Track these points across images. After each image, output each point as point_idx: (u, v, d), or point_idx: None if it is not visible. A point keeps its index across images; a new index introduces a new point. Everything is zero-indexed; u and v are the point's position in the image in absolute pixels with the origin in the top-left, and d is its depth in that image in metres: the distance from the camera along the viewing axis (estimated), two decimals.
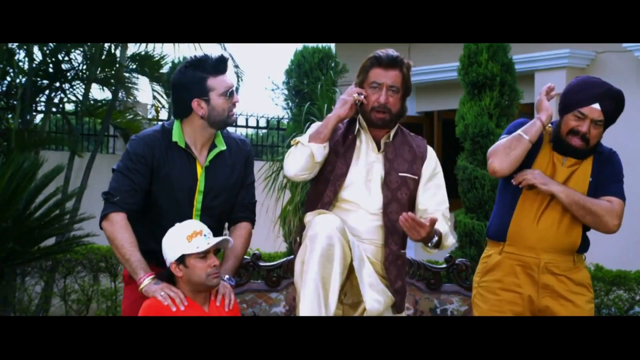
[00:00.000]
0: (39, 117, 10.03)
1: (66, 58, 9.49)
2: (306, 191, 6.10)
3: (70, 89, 9.70)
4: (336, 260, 3.69)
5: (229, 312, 3.81)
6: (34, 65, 9.30)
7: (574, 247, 3.96)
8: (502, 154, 3.91)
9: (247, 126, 12.53)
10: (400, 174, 3.97)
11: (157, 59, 9.66)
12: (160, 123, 4.14)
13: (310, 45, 8.51)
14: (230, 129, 4.27)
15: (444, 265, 4.74)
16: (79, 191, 8.76)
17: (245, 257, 4.44)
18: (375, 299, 3.79)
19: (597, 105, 3.86)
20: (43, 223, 7.95)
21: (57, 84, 9.56)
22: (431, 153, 4.08)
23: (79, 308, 9.03)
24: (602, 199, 3.92)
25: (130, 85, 9.60)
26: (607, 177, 3.96)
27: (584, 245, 4.00)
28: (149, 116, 10.66)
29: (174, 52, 13.31)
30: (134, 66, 9.68)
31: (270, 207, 7.68)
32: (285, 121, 11.32)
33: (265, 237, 7.83)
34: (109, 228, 3.85)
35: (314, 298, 3.67)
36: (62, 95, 9.78)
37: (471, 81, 7.26)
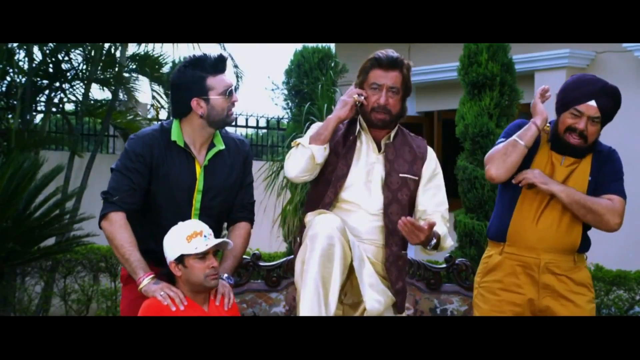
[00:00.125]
0: (39, 117, 10.04)
1: (66, 58, 9.49)
2: (306, 191, 6.10)
3: (70, 89, 9.71)
4: (336, 260, 3.70)
5: (228, 311, 3.81)
6: (34, 65, 9.30)
7: (574, 247, 3.96)
8: (499, 160, 3.92)
9: (247, 126, 12.52)
10: (400, 175, 3.97)
11: (157, 58, 9.65)
12: (159, 122, 4.13)
13: (310, 45, 8.51)
14: (230, 129, 4.27)
15: (444, 265, 4.74)
16: (79, 191, 8.76)
17: (245, 257, 4.45)
18: (375, 299, 3.79)
19: (593, 102, 3.87)
20: (43, 223, 7.96)
21: (57, 84, 9.57)
22: (431, 154, 4.08)
23: (79, 308, 9.03)
24: (603, 197, 3.92)
25: (131, 86, 9.60)
26: (607, 175, 3.96)
27: (585, 244, 4.00)
28: (149, 116, 10.66)
29: (173, 52, 13.30)
30: (134, 66, 9.68)
31: (270, 207, 7.67)
32: (285, 121, 11.31)
33: (265, 237, 7.83)
34: (108, 228, 3.85)
35: (314, 298, 3.67)
36: (62, 95, 9.79)
37: (471, 81, 7.25)
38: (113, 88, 9.61)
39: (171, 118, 4.01)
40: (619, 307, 7.16)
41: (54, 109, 9.98)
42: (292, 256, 4.18)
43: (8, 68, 9.25)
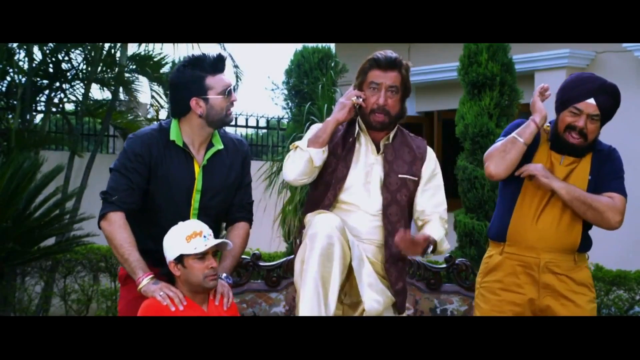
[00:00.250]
0: (39, 117, 10.04)
1: (66, 58, 9.49)
2: (306, 191, 6.10)
3: (70, 89, 9.71)
4: (336, 259, 3.69)
5: (228, 311, 3.81)
6: (34, 65, 9.30)
7: (574, 246, 3.96)
8: (498, 158, 3.91)
9: (247, 126, 12.52)
10: (399, 176, 3.96)
11: (157, 59, 9.66)
12: (157, 122, 4.13)
13: (310, 45, 8.51)
14: (230, 129, 4.27)
15: (444, 265, 4.74)
16: (79, 191, 8.76)
17: (245, 257, 4.45)
18: (374, 299, 3.79)
19: (592, 100, 3.87)
20: (43, 223, 7.96)
21: (57, 84, 9.57)
22: (431, 154, 4.08)
23: (79, 308, 9.03)
24: (603, 195, 3.92)
25: (131, 86, 9.60)
26: (607, 174, 3.96)
27: (586, 244, 3.99)
28: (149, 116, 10.66)
29: (173, 52, 13.30)
30: (134, 66, 9.68)
31: (271, 207, 7.67)
32: (285, 121, 11.32)
33: (265, 237, 7.83)
34: (108, 228, 3.84)
35: (314, 297, 3.67)
36: (62, 95, 9.79)
37: (471, 81, 7.26)
38: (113, 88, 9.61)
39: (170, 118, 4.01)
40: (619, 307, 7.16)
41: (54, 109, 9.99)
42: (292, 256, 4.18)
43: (8, 68, 9.26)
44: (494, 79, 7.20)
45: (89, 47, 9.29)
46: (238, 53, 15.46)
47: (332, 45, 8.80)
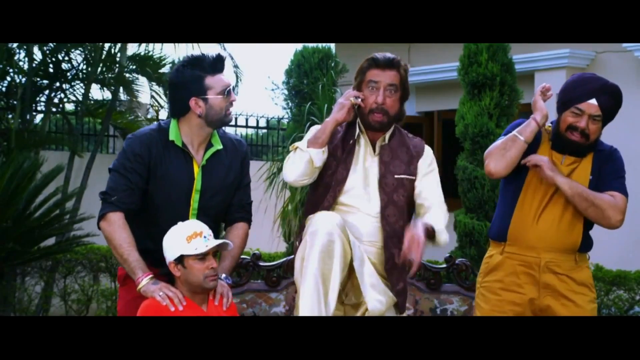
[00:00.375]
0: (39, 117, 10.04)
1: (66, 58, 9.49)
2: (306, 191, 6.10)
3: (70, 89, 9.71)
4: (336, 257, 3.69)
5: (227, 311, 3.81)
6: (34, 65, 9.30)
7: (575, 246, 3.96)
8: (498, 155, 3.91)
9: (247, 126, 12.51)
10: (396, 176, 3.95)
11: (157, 59, 9.65)
12: (157, 122, 4.13)
13: (310, 45, 8.52)
14: (230, 129, 4.27)
15: (444, 265, 4.74)
16: (79, 191, 8.76)
17: (245, 257, 4.45)
18: (377, 299, 3.79)
19: (593, 101, 3.87)
20: (43, 223, 7.95)
21: (57, 84, 9.57)
22: (427, 150, 4.06)
23: (79, 308, 9.03)
24: (605, 193, 3.91)
25: (131, 86, 9.60)
26: (608, 173, 3.96)
27: (586, 244, 3.99)
28: (149, 116, 10.66)
29: (174, 52, 13.32)
30: (134, 66, 9.68)
31: (271, 207, 7.68)
32: (285, 121, 11.32)
33: (265, 237, 7.83)
34: (107, 228, 3.84)
35: (314, 294, 3.66)
36: (62, 95, 9.78)
37: (471, 81, 7.26)
38: (113, 88, 9.61)
39: (169, 118, 4.01)
40: (619, 307, 7.16)
41: (54, 109, 9.98)
42: (292, 256, 4.18)
43: (8, 68, 9.25)
44: (494, 79, 7.21)
45: (89, 47, 9.29)
46: (238, 53, 15.44)
47: (332, 46, 8.81)
